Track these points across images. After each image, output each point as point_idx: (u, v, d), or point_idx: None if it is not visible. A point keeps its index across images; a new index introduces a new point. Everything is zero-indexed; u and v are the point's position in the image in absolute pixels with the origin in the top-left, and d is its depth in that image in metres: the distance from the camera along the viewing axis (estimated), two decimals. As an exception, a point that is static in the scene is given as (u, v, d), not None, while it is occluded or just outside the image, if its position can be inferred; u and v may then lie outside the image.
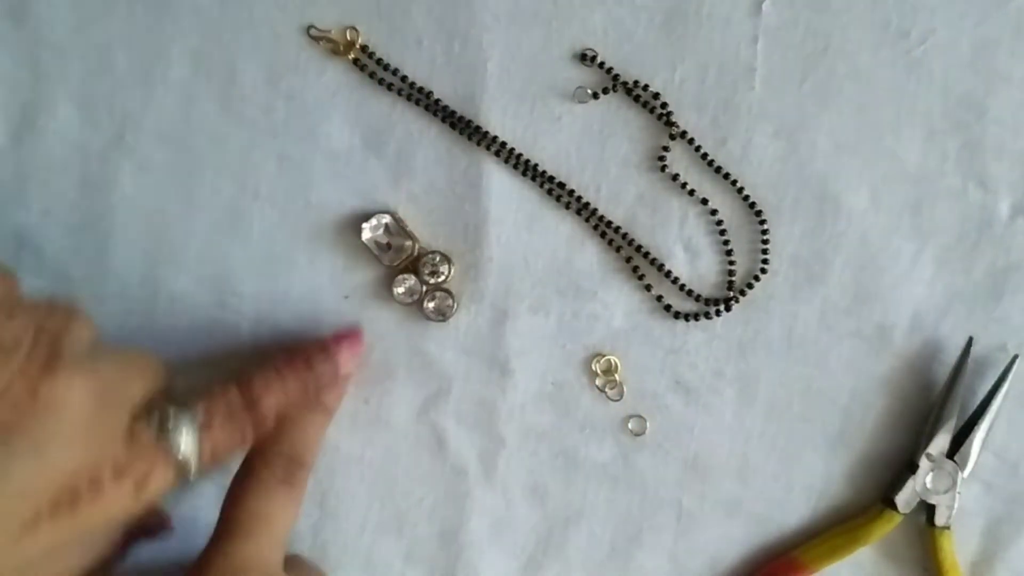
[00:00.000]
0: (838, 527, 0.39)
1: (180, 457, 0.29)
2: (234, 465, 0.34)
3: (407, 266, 0.39)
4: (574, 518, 0.40)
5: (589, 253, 0.39)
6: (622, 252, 0.39)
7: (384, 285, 0.39)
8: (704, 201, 0.38)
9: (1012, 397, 0.38)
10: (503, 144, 0.38)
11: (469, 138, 0.38)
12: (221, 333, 0.39)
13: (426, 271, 0.39)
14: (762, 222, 0.38)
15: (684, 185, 0.38)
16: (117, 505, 0.27)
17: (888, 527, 0.38)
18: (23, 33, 0.39)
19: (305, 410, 0.35)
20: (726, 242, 0.39)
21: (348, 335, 0.37)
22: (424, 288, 0.39)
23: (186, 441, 0.29)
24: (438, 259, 0.39)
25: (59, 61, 0.39)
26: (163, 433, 0.29)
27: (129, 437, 0.28)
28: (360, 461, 0.40)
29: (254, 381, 0.33)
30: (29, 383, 0.25)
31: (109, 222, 0.39)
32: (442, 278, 0.39)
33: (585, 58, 0.38)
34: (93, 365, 0.27)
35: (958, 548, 0.39)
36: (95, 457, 0.27)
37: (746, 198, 0.38)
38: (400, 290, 0.39)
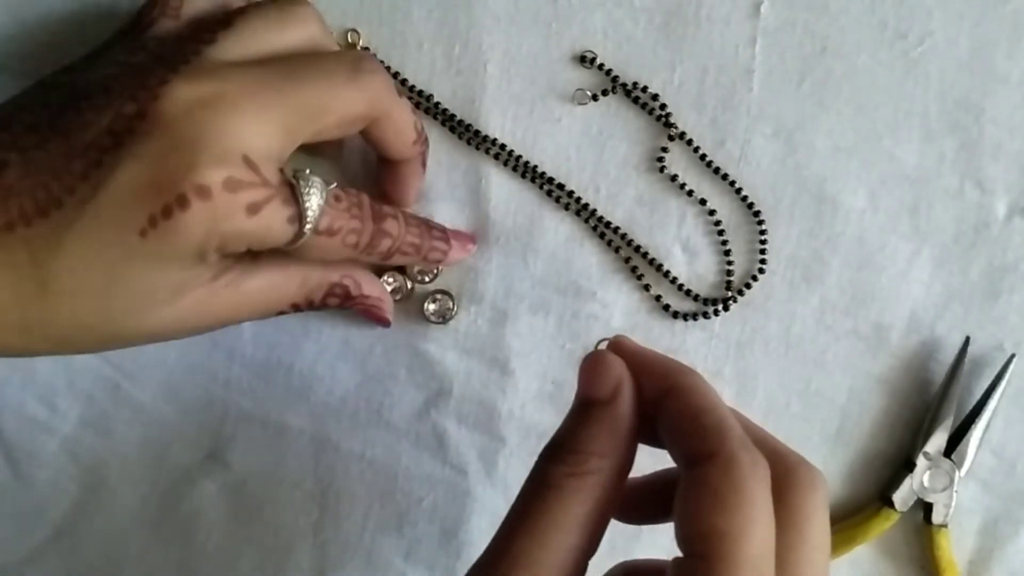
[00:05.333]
0: (836, 525, 0.39)
1: (304, 207, 0.28)
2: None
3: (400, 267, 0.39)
4: (574, 517, 0.40)
5: (588, 253, 0.39)
6: (621, 252, 0.39)
7: (385, 286, 0.39)
8: (703, 202, 0.38)
9: (1009, 396, 0.38)
10: (503, 146, 0.38)
11: (469, 141, 0.38)
12: (222, 335, 0.39)
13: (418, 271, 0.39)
14: (760, 222, 0.39)
15: (683, 186, 0.38)
16: (221, 218, 0.27)
17: (885, 525, 0.39)
18: (27, 32, 0.39)
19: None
20: (724, 242, 0.39)
21: (463, 235, 0.38)
22: (411, 285, 0.39)
23: (313, 198, 0.29)
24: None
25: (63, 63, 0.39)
26: (295, 181, 0.29)
27: (255, 165, 0.27)
28: (361, 460, 0.40)
29: (384, 205, 0.33)
30: (147, 93, 0.27)
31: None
32: (428, 277, 0.39)
33: (584, 60, 0.38)
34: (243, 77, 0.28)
35: (955, 546, 0.39)
36: (209, 165, 0.26)
37: (744, 199, 0.38)
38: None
